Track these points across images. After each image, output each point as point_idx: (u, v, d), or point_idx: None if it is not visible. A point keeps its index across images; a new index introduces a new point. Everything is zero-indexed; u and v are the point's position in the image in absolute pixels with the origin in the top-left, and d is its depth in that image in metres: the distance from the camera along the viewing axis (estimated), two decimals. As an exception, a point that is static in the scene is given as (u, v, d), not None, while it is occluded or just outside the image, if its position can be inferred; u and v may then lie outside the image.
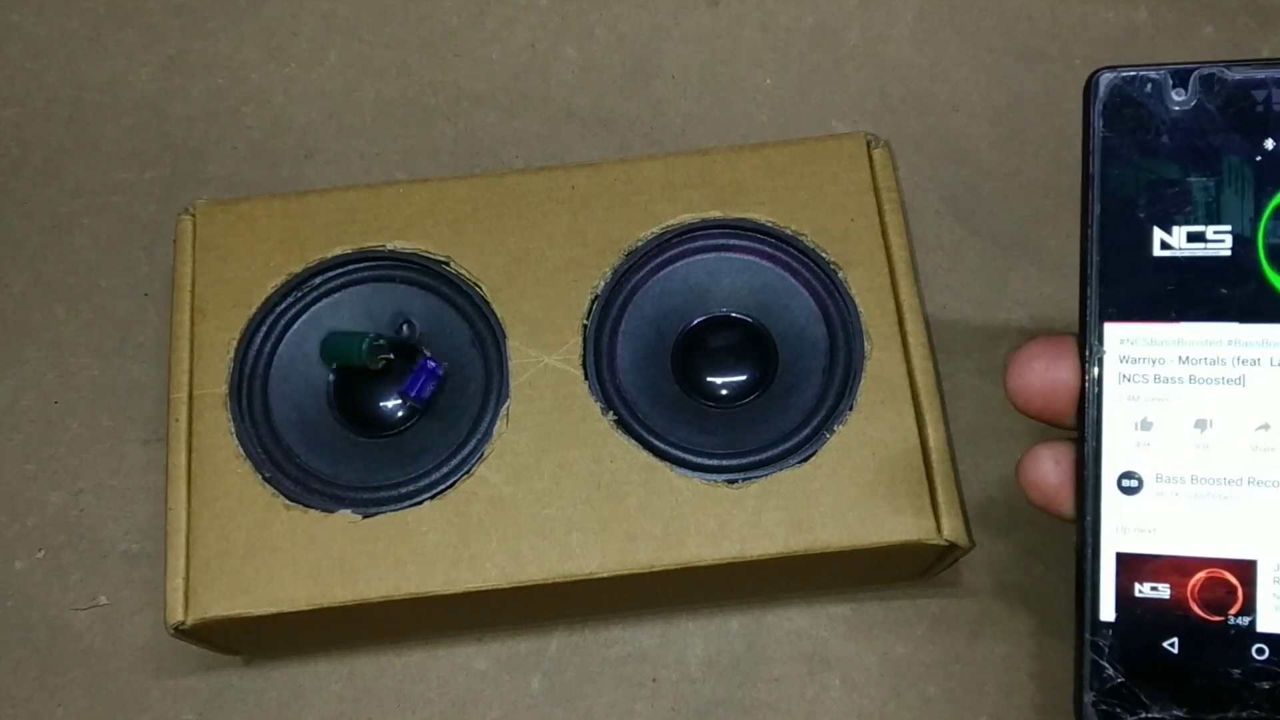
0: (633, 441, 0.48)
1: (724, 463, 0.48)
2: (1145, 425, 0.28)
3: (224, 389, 0.49)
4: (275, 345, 0.50)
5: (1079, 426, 0.29)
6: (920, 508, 0.46)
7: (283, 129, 0.64)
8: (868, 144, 0.53)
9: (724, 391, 0.51)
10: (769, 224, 0.51)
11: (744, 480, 0.47)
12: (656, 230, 0.51)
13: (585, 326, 0.50)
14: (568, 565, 0.46)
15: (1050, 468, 0.30)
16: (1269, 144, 0.27)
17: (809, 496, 0.47)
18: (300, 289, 0.51)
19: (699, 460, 0.48)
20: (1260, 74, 0.27)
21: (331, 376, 0.51)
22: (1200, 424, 0.28)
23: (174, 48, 0.66)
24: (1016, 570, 0.54)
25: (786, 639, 0.53)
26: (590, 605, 0.52)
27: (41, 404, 0.58)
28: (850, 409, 0.48)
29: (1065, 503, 0.30)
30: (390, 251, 0.51)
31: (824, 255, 0.51)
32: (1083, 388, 0.29)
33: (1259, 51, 0.65)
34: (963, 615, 0.54)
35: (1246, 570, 0.28)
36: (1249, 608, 0.27)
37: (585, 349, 0.50)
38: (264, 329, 0.50)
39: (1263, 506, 0.27)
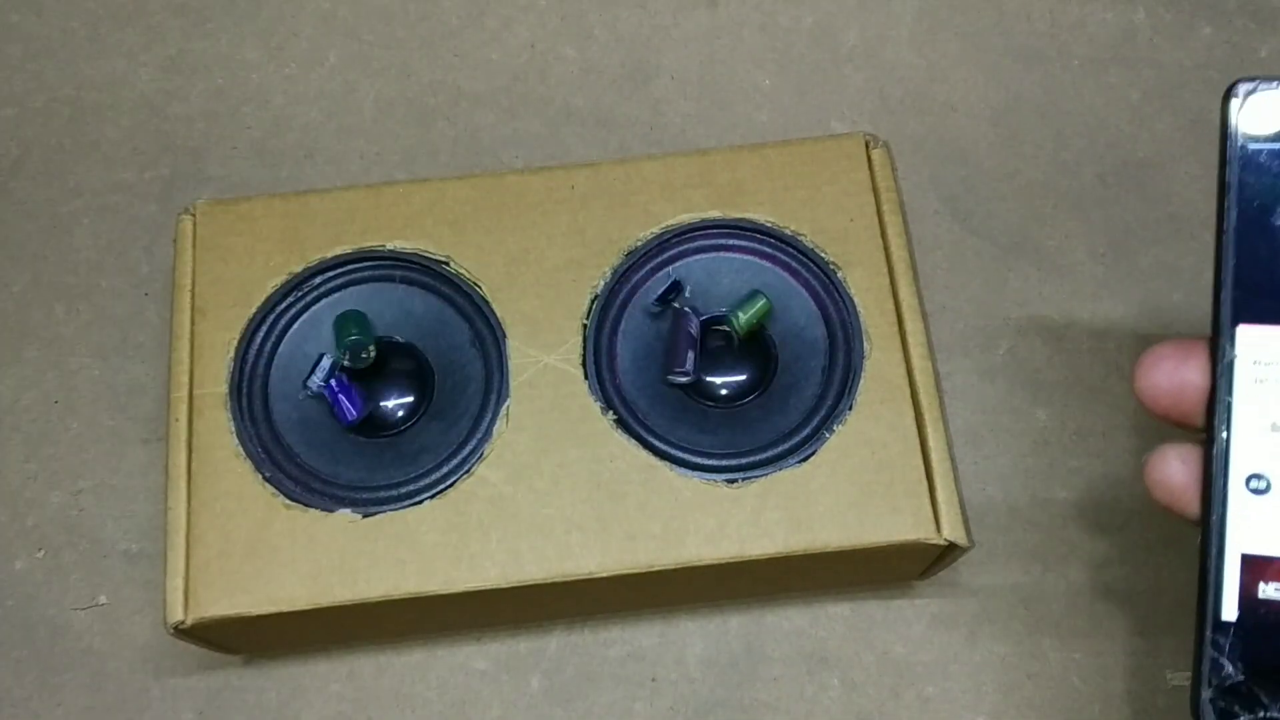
0: (632, 441, 0.48)
1: (723, 462, 0.48)
2: (1276, 428, 0.29)
3: (224, 388, 0.49)
4: (275, 345, 0.50)
5: (1207, 427, 0.30)
6: (920, 507, 0.46)
7: (283, 129, 0.64)
8: (867, 144, 0.53)
9: (724, 391, 0.51)
10: (768, 224, 0.51)
11: (743, 480, 0.47)
12: (656, 230, 0.51)
13: (585, 326, 0.50)
14: (567, 565, 0.46)
15: (1177, 467, 0.30)
16: None
17: (808, 496, 0.47)
18: (300, 289, 0.51)
19: (698, 460, 0.48)
20: None
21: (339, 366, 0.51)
22: None
23: (174, 48, 0.66)
24: (1016, 570, 0.54)
25: (785, 639, 0.53)
26: (590, 605, 0.52)
27: (41, 403, 0.58)
28: (850, 409, 0.48)
29: (1191, 503, 0.30)
30: (390, 251, 0.51)
31: (823, 255, 0.51)
32: (1214, 388, 0.29)
33: (1257, 52, 0.65)
34: (962, 615, 0.54)
35: None
36: None
37: (585, 349, 0.50)
38: (264, 328, 0.50)
39: None
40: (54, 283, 0.61)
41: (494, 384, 0.49)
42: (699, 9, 0.67)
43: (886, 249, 0.51)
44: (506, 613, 0.52)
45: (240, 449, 0.48)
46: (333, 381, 0.49)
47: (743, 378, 0.51)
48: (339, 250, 0.51)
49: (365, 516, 0.47)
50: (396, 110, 0.65)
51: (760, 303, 0.50)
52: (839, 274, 0.50)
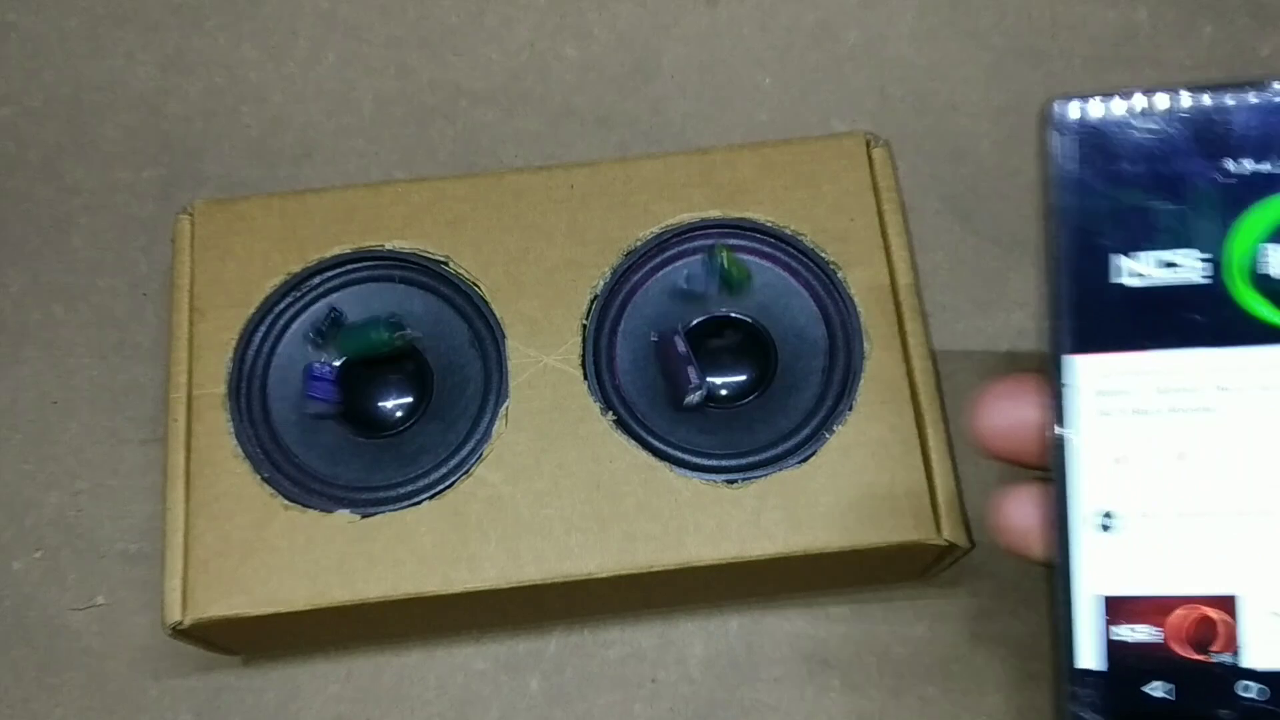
0: (632, 441, 0.48)
1: (723, 463, 0.47)
2: (1121, 460, 0.27)
3: (222, 389, 0.49)
4: (274, 345, 0.50)
5: (1052, 465, 0.28)
6: (920, 508, 0.46)
7: (281, 128, 0.64)
8: (867, 143, 0.53)
9: (723, 391, 0.51)
10: (768, 224, 0.51)
11: (743, 480, 0.47)
12: (656, 230, 0.51)
13: (584, 326, 0.50)
14: (566, 565, 0.46)
15: (1023, 510, 0.29)
16: (1234, 165, 0.26)
17: (808, 497, 0.46)
18: (299, 289, 0.51)
19: (698, 460, 0.47)
20: (1221, 96, 0.27)
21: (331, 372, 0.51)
22: (1179, 456, 0.27)
23: (172, 47, 0.66)
24: (1016, 571, 0.54)
25: (786, 639, 0.53)
26: (589, 605, 0.52)
27: (39, 404, 0.58)
28: (850, 409, 0.48)
29: (1040, 546, 0.28)
30: (389, 251, 0.51)
31: (824, 255, 0.51)
32: (1055, 425, 0.27)
33: (1258, 51, 0.65)
34: (963, 615, 0.54)
35: (1232, 606, 0.26)
36: (1237, 645, 0.26)
37: (584, 349, 0.49)
38: (263, 328, 0.50)
39: (1248, 539, 0.26)
40: (52, 282, 0.61)
41: (493, 384, 0.49)
42: (699, 8, 0.67)
43: (887, 249, 0.51)
44: (506, 613, 0.52)
45: (239, 449, 0.48)
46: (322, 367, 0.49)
47: (742, 378, 0.51)
48: (338, 250, 0.51)
49: (364, 517, 0.47)
50: (395, 109, 0.64)
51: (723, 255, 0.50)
52: (839, 274, 0.50)
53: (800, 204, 0.52)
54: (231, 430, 0.48)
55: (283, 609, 0.46)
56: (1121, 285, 0.27)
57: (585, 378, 0.49)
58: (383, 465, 0.49)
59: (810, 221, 0.51)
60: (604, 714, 0.52)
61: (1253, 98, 0.26)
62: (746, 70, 0.65)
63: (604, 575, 0.46)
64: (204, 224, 0.52)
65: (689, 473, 0.47)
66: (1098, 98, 0.27)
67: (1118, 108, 0.27)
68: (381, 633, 0.53)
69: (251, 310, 0.50)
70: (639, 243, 0.51)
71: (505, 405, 0.48)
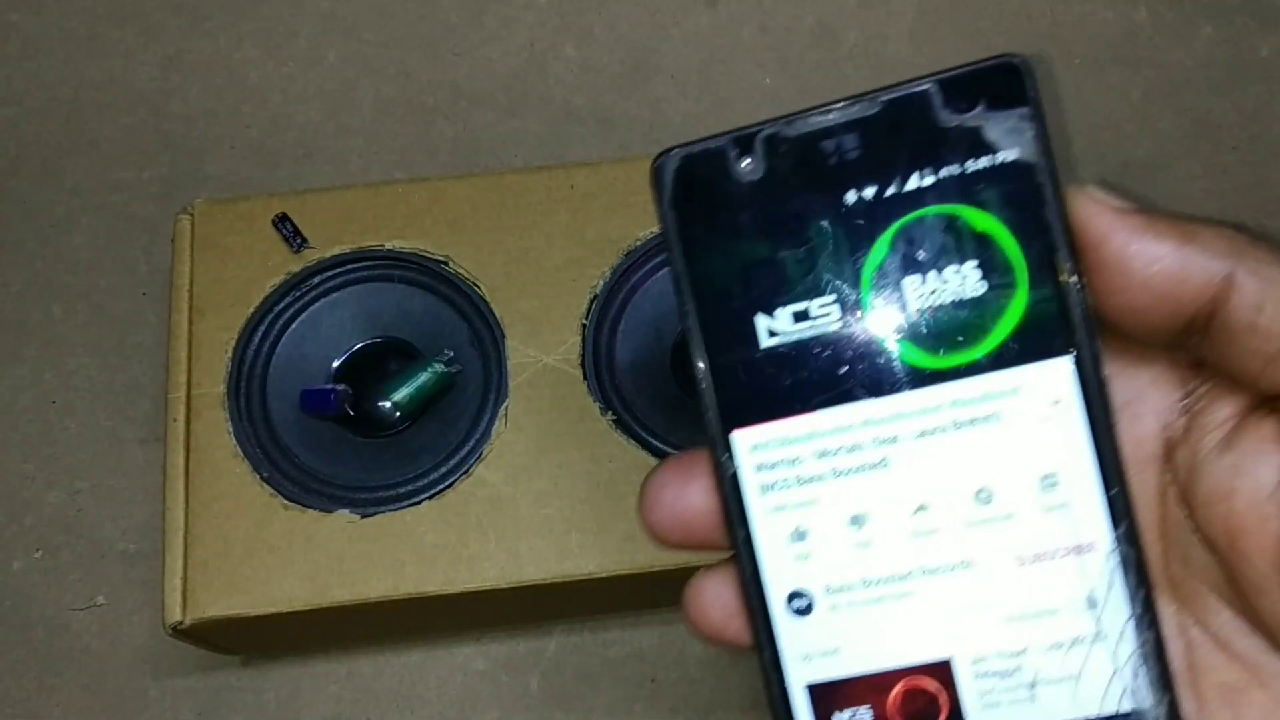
0: (631, 441, 0.48)
1: (723, 463, 0.47)
2: (799, 535, 0.25)
3: (222, 388, 0.49)
4: (274, 344, 0.50)
5: (731, 551, 0.25)
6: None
7: (281, 128, 0.64)
8: (867, 143, 0.53)
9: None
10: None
11: (743, 480, 0.47)
12: (656, 230, 0.51)
13: (584, 326, 0.50)
14: (566, 565, 0.46)
15: (718, 597, 0.26)
16: (851, 195, 0.24)
17: (808, 496, 0.46)
18: (299, 288, 0.51)
19: (698, 460, 0.47)
20: (821, 121, 0.24)
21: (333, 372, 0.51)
22: (856, 520, 0.25)
23: (172, 47, 0.66)
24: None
25: (786, 639, 0.53)
26: (589, 605, 0.52)
27: (39, 403, 0.58)
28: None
29: (741, 632, 0.26)
30: (389, 251, 0.51)
31: (823, 255, 0.51)
32: (725, 506, 0.25)
33: (1258, 51, 0.65)
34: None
35: (943, 670, 0.25)
36: (956, 710, 0.25)
37: (584, 349, 0.49)
38: (262, 328, 0.50)
39: (940, 596, 0.24)
40: (52, 282, 0.61)
41: (493, 384, 0.49)
42: (699, 8, 0.67)
43: (887, 248, 0.51)
44: (506, 613, 0.52)
45: (238, 449, 0.48)
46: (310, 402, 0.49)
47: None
48: (337, 250, 0.51)
49: (364, 517, 0.47)
50: (395, 109, 0.64)
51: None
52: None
53: (800, 204, 0.51)
54: (231, 430, 0.48)
55: (283, 609, 0.46)
56: (763, 346, 0.24)
57: (585, 377, 0.49)
58: (382, 465, 0.49)
59: (810, 221, 0.51)
60: (604, 714, 0.52)
61: (851, 115, 0.24)
62: (747, 70, 0.65)
63: (604, 575, 0.46)
64: (204, 224, 0.52)
65: (689, 472, 0.47)
66: (701, 145, 0.24)
67: (723, 153, 0.24)
68: (381, 633, 0.53)
69: (251, 310, 0.50)
70: (639, 243, 0.51)
71: (505, 405, 0.48)
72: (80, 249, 0.61)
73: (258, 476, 0.48)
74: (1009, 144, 0.24)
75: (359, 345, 0.51)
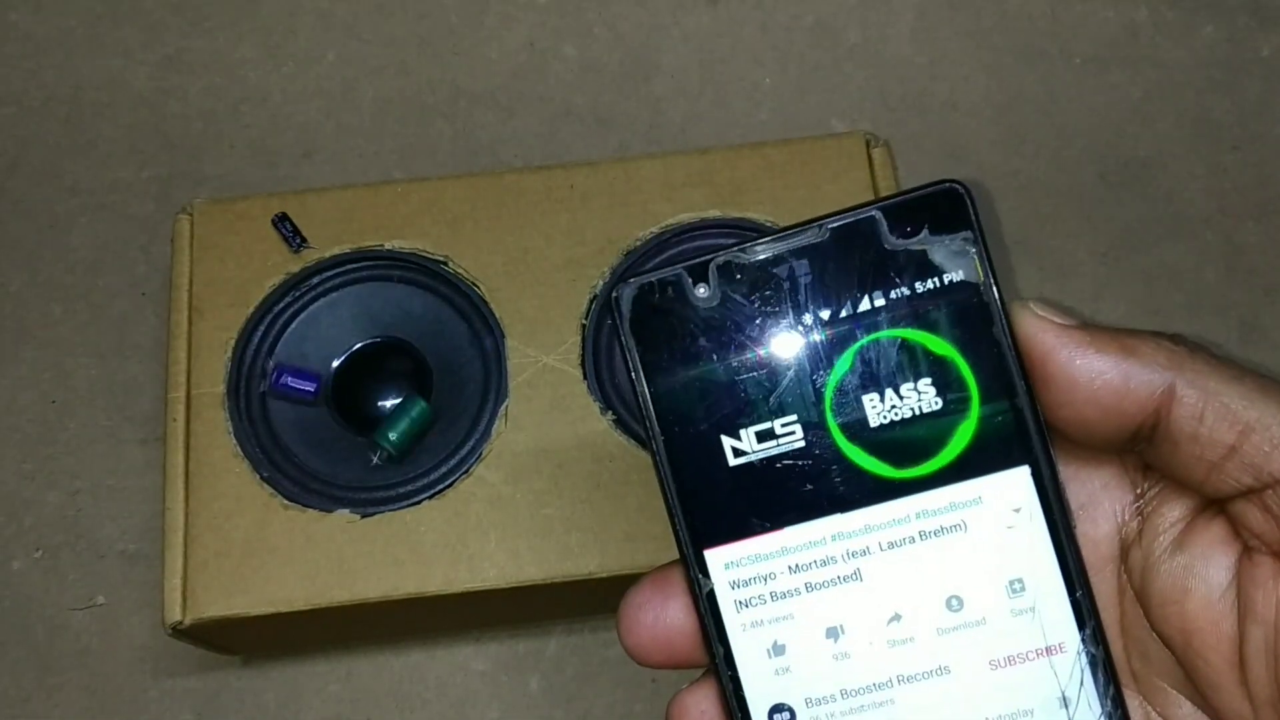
0: (632, 441, 0.48)
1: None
2: (778, 649, 0.25)
3: (222, 388, 0.49)
4: (273, 344, 0.50)
5: (711, 669, 0.26)
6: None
7: (280, 128, 0.64)
8: (867, 143, 0.53)
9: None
10: (768, 224, 0.51)
11: (743, 480, 0.47)
12: (655, 230, 0.51)
13: (584, 326, 0.50)
14: (566, 565, 0.46)
15: (700, 715, 0.26)
16: (807, 318, 0.25)
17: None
18: (298, 288, 0.51)
19: (698, 460, 0.47)
20: (776, 248, 0.25)
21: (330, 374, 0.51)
22: (832, 632, 0.25)
23: (172, 46, 0.66)
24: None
25: (786, 639, 0.53)
26: (589, 605, 0.52)
27: (39, 403, 0.58)
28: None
29: None
30: (388, 251, 0.51)
31: (823, 255, 0.51)
32: (703, 624, 0.26)
33: (1259, 51, 0.65)
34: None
35: None
36: None
37: (584, 348, 0.49)
38: (262, 328, 0.50)
39: (919, 703, 0.25)
40: (51, 282, 0.61)
41: (493, 384, 0.49)
42: (699, 7, 0.67)
43: (887, 248, 0.51)
44: (506, 613, 0.52)
45: (238, 449, 0.48)
46: (283, 379, 0.49)
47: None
48: (337, 250, 0.51)
49: (364, 517, 0.47)
50: (395, 109, 0.64)
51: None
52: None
53: (800, 204, 0.51)
54: (231, 430, 0.48)
55: (282, 609, 0.45)
56: (730, 466, 0.25)
57: (585, 377, 0.49)
58: (382, 465, 0.49)
59: (810, 221, 0.51)
60: (604, 714, 0.52)
61: (800, 243, 0.25)
62: (746, 70, 0.65)
63: (604, 575, 0.46)
64: (203, 224, 0.52)
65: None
66: (657, 276, 0.25)
67: (679, 283, 0.25)
68: (381, 633, 0.53)
69: (251, 310, 0.50)
70: (639, 243, 0.51)
71: (505, 405, 0.48)
72: (79, 249, 0.61)
73: (258, 476, 0.48)
74: (954, 266, 0.25)
75: (358, 345, 0.51)
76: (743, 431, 0.25)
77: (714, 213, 0.51)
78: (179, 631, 0.46)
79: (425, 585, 0.46)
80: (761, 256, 0.25)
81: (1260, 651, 0.24)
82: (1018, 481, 0.25)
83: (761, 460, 0.25)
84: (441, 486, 0.47)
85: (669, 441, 0.26)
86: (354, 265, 0.51)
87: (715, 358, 0.25)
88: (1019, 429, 0.25)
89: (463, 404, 0.49)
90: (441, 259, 0.51)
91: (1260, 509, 0.23)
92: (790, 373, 0.25)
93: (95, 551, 0.55)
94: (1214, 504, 0.25)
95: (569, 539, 0.46)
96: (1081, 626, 0.25)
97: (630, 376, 0.25)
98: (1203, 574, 0.24)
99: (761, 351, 0.25)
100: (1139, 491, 0.26)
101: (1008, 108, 0.64)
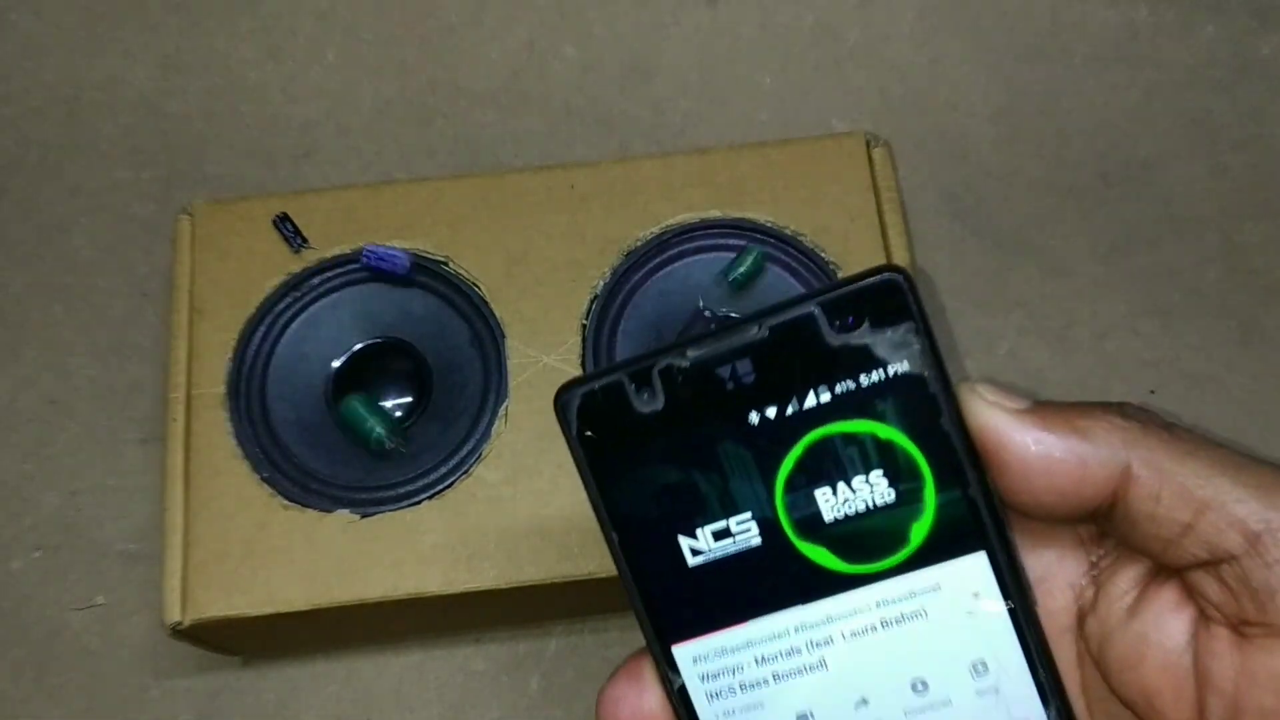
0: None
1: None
2: None
3: (222, 389, 0.49)
4: (274, 345, 0.50)
5: None
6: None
7: (281, 128, 0.64)
8: (867, 143, 0.53)
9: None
10: (768, 223, 0.51)
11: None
12: (656, 230, 0.51)
13: (584, 326, 0.50)
14: (566, 566, 0.46)
15: None
16: (753, 416, 0.25)
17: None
18: (298, 289, 0.51)
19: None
20: (712, 351, 0.25)
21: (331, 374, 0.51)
22: (802, 717, 0.26)
23: (172, 46, 0.66)
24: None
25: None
26: (589, 605, 0.52)
27: (39, 404, 0.58)
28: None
29: None
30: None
31: (824, 255, 0.51)
32: (676, 715, 0.26)
33: (1258, 50, 0.65)
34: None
35: None
36: None
37: (584, 349, 0.49)
38: (262, 329, 0.50)
39: None
40: (51, 283, 0.61)
41: (493, 384, 0.49)
42: (699, 7, 0.67)
43: (887, 249, 0.51)
44: (505, 614, 0.52)
45: (238, 449, 0.48)
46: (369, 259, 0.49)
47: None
48: (337, 250, 0.51)
49: (363, 517, 0.47)
50: (395, 109, 0.64)
51: (752, 255, 0.50)
52: (839, 274, 0.50)
53: (801, 204, 0.51)
54: (231, 430, 0.48)
55: (282, 609, 0.45)
56: (689, 565, 0.25)
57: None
58: (382, 465, 0.49)
59: (810, 221, 0.51)
60: (604, 714, 0.52)
61: (740, 342, 0.25)
62: (747, 70, 0.65)
63: (604, 575, 0.46)
64: (204, 224, 0.52)
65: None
66: (598, 382, 0.25)
67: (620, 388, 0.25)
68: (381, 633, 0.53)
69: (251, 310, 0.50)
70: (639, 243, 0.51)
71: (505, 405, 0.48)
72: (80, 249, 0.61)
73: (258, 476, 0.48)
74: (897, 358, 0.24)
75: (359, 346, 0.51)
76: (699, 531, 0.25)
77: (714, 213, 0.51)
78: (179, 632, 0.46)
79: (425, 585, 0.46)
80: (701, 358, 0.25)
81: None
82: (975, 566, 0.25)
83: (720, 558, 0.25)
84: (441, 486, 0.47)
85: (626, 544, 0.26)
86: (354, 265, 0.51)
87: (664, 460, 0.25)
88: (974, 517, 0.25)
89: (463, 404, 0.49)
90: (442, 259, 0.51)
91: (1216, 580, 0.24)
92: (740, 471, 0.25)
93: (95, 551, 0.55)
94: (1166, 568, 0.25)
95: (569, 539, 0.46)
96: (1046, 705, 0.25)
97: (582, 481, 0.25)
98: (1158, 640, 0.25)
99: (710, 452, 0.25)
100: (1093, 560, 0.26)
101: (1008, 108, 0.64)
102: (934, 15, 0.66)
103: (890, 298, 0.24)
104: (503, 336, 0.49)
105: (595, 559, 0.46)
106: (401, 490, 0.47)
